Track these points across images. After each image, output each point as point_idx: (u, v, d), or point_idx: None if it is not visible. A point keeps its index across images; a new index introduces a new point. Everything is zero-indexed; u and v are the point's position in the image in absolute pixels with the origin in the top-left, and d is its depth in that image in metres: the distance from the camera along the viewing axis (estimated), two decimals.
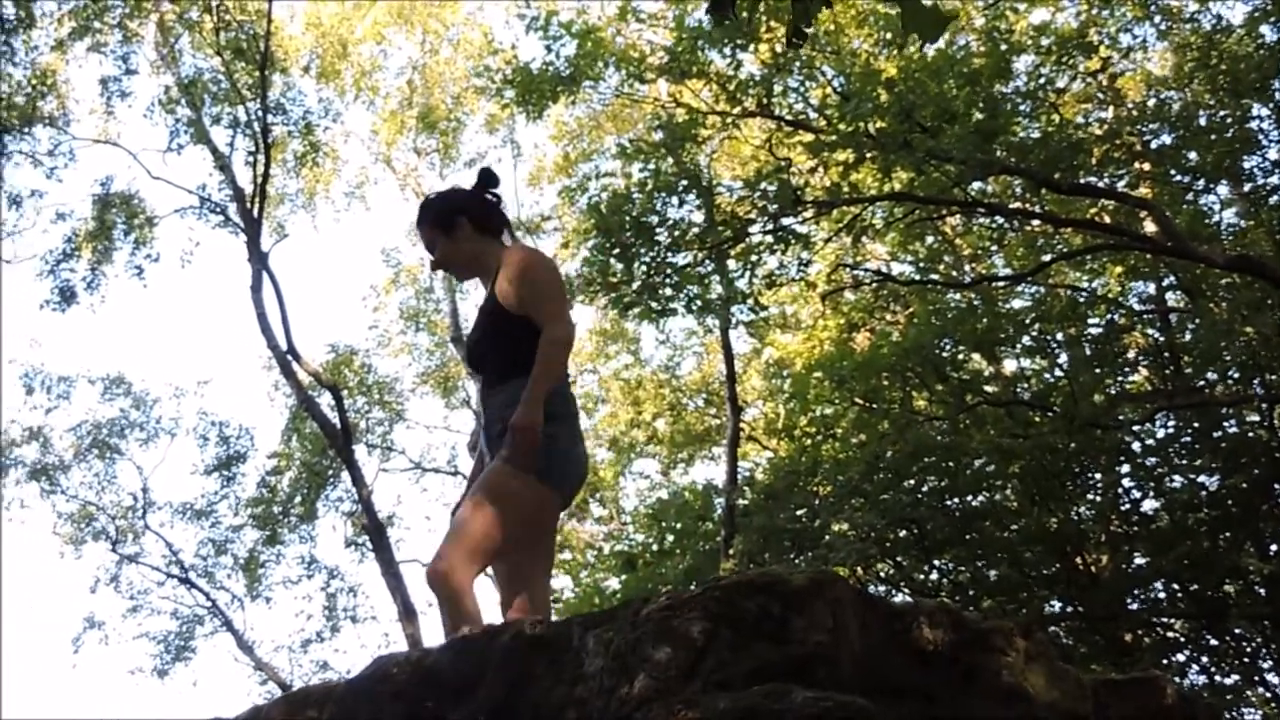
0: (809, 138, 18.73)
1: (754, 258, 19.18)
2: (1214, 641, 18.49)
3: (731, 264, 19.49)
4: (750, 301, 19.88)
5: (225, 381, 68.12)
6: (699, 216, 19.41)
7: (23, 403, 30.46)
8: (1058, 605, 18.99)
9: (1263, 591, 17.89)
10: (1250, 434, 18.12)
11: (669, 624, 3.54)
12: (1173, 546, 16.99)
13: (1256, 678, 18.34)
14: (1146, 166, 19.36)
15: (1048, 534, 18.02)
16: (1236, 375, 18.57)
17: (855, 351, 20.82)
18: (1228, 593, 18.05)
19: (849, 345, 21.48)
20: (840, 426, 21.09)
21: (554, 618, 5.16)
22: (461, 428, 31.61)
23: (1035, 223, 20.18)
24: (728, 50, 18.66)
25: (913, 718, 3.57)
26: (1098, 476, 19.07)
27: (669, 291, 19.25)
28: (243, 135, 26.07)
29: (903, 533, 18.63)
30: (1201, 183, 19.32)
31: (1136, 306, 20.70)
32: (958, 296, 20.82)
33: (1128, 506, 19.17)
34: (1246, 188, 19.62)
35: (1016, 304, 20.88)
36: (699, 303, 19.78)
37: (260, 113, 25.04)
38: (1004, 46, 18.07)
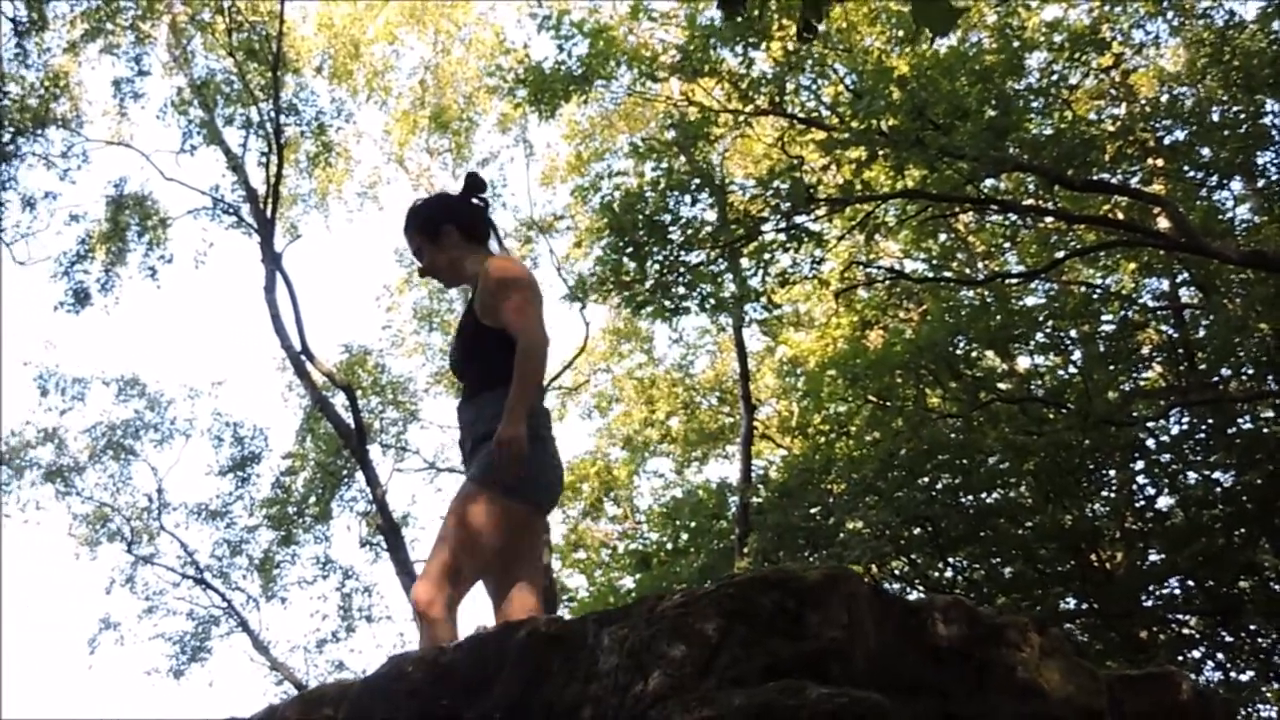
0: (821, 135, 18.70)
1: (767, 256, 19.18)
2: (1229, 638, 18.47)
3: (744, 262, 19.49)
4: (763, 300, 19.88)
5: (239, 382, 68.19)
6: (712, 215, 19.42)
7: (38, 404, 30.55)
8: (1072, 602, 18.99)
9: (1278, 587, 17.88)
10: (1265, 430, 18.10)
11: (684, 621, 3.55)
12: (1187, 543, 16.97)
13: (1272, 674, 18.32)
14: (1160, 163, 19.33)
15: (1062, 531, 18.00)
16: (1251, 371, 18.53)
17: (869, 349, 20.79)
18: (1243, 589, 18.02)
19: (862, 343, 21.45)
20: (854, 424, 21.08)
21: (567, 617, 5.16)
22: None
23: (1048, 220, 20.16)
24: (740, 48, 18.63)
25: (927, 714, 3.57)
26: (1112, 473, 19.07)
27: (682, 290, 19.25)
28: (255, 136, 26.11)
29: (917, 530, 18.63)
30: (1215, 179, 19.28)
31: (1150, 303, 20.67)
32: (971, 294, 20.78)
33: (1142, 503, 19.17)
34: (1260, 183, 19.59)
35: (1030, 301, 20.88)
36: (712, 301, 19.77)
37: (273, 113, 25.06)
38: (1016, 43, 18.05)
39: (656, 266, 18.98)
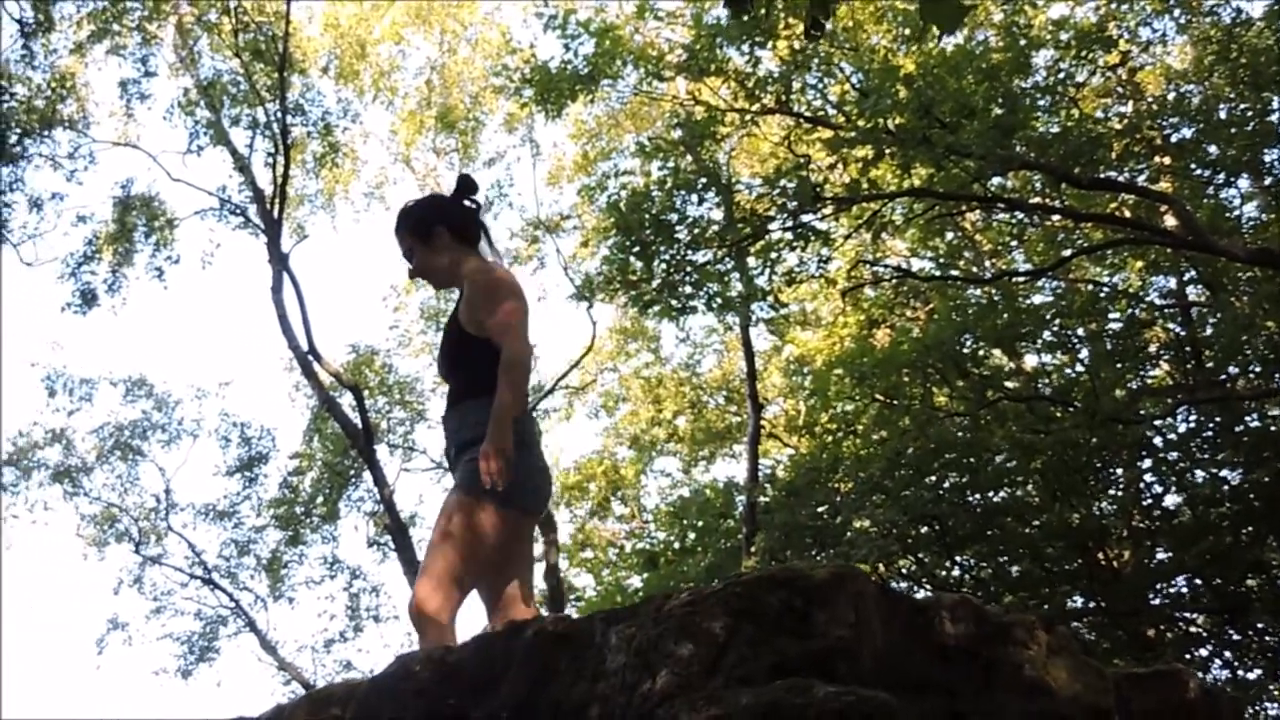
0: (828, 134, 18.72)
1: (774, 255, 19.19)
2: (1236, 636, 18.44)
3: (751, 261, 19.51)
4: (770, 299, 19.90)
5: (246, 383, 68.27)
6: (718, 214, 19.44)
7: (45, 405, 30.58)
8: (1080, 601, 18.99)
9: None
10: (1272, 428, 18.08)
11: (691, 620, 3.55)
12: (1195, 541, 16.95)
13: (1279, 671, 18.30)
14: (1167, 161, 19.32)
15: (1069, 529, 17.99)
16: (1258, 369, 18.54)
17: (876, 348, 20.79)
18: (1250, 587, 18.00)
19: (869, 342, 21.45)
20: (861, 423, 21.08)
21: (574, 616, 5.16)
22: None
23: (1055, 218, 20.17)
24: (746, 47, 18.66)
25: (935, 712, 3.58)
26: (1119, 472, 19.06)
27: (689, 289, 19.27)
28: (262, 136, 26.16)
29: (924, 529, 18.63)
30: (1222, 176, 19.24)
31: (1157, 301, 20.67)
32: (978, 292, 20.79)
33: (1149, 501, 19.16)
34: (1267, 181, 19.56)
35: (1037, 299, 20.87)
36: (719, 300, 19.79)
37: (279, 114, 25.08)
38: (1023, 41, 18.07)
39: (663, 266, 18.99)
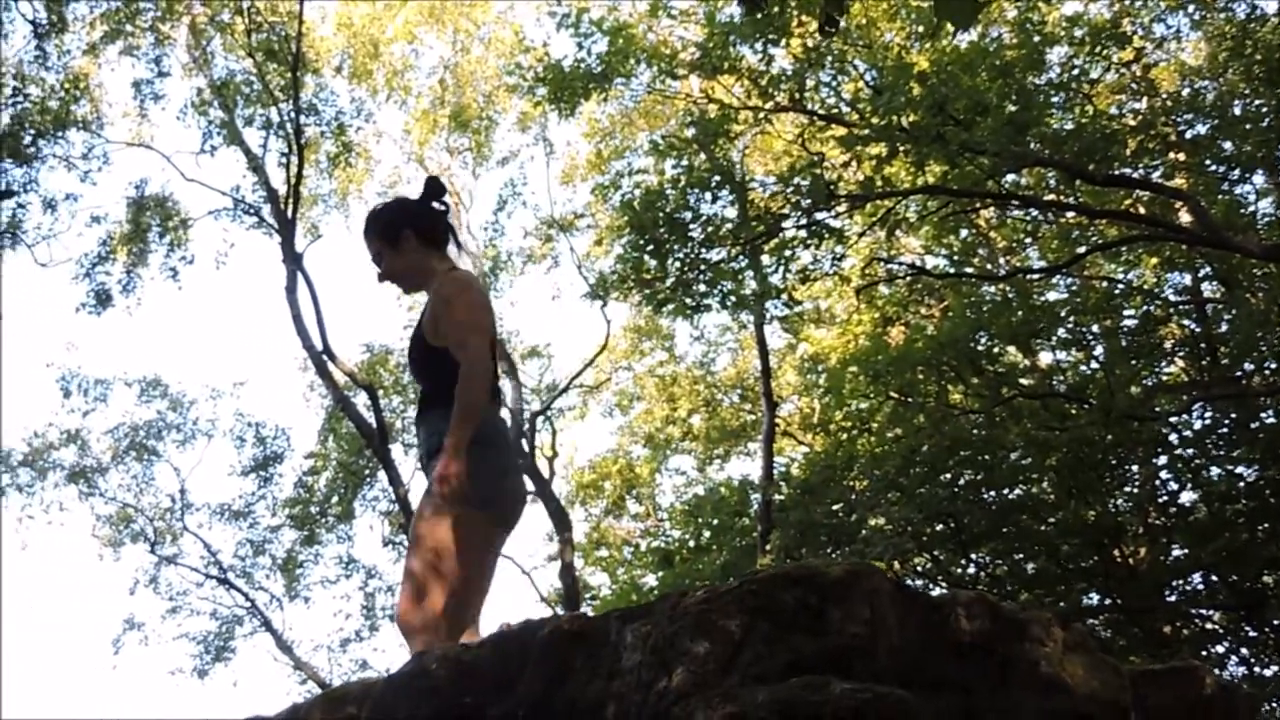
0: (842, 132, 18.71)
1: (788, 253, 19.19)
2: (1253, 633, 18.43)
3: (765, 259, 19.51)
4: (784, 297, 19.91)
5: (261, 382, 68.44)
6: (732, 212, 19.44)
7: (60, 406, 30.63)
8: (1095, 598, 18.97)
9: None
10: None
11: (707, 617, 3.55)
12: (1211, 538, 16.93)
13: None
14: (1181, 157, 19.30)
15: (1085, 526, 17.98)
16: (1273, 366, 18.49)
17: (890, 346, 20.78)
18: (1266, 584, 17.98)
19: (884, 339, 21.43)
20: (876, 421, 21.07)
21: (589, 614, 5.16)
22: None
23: (1070, 215, 20.15)
24: (759, 45, 18.65)
25: (951, 709, 3.57)
26: (1135, 469, 19.04)
27: (703, 287, 19.28)
28: (275, 136, 26.17)
29: (939, 526, 18.62)
30: (1237, 173, 19.21)
31: (1172, 298, 20.64)
32: (992, 289, 20.77)
33: (1165, 498, 19.14)
34: None
35: (1052, 296, 20.83)
36: (733, 298, 19.81)
37: (293, 114, 25.10)
38: (1037, 38, 18.05)
39: (677, 264, 19.01)
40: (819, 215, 18.72)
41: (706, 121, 19.73)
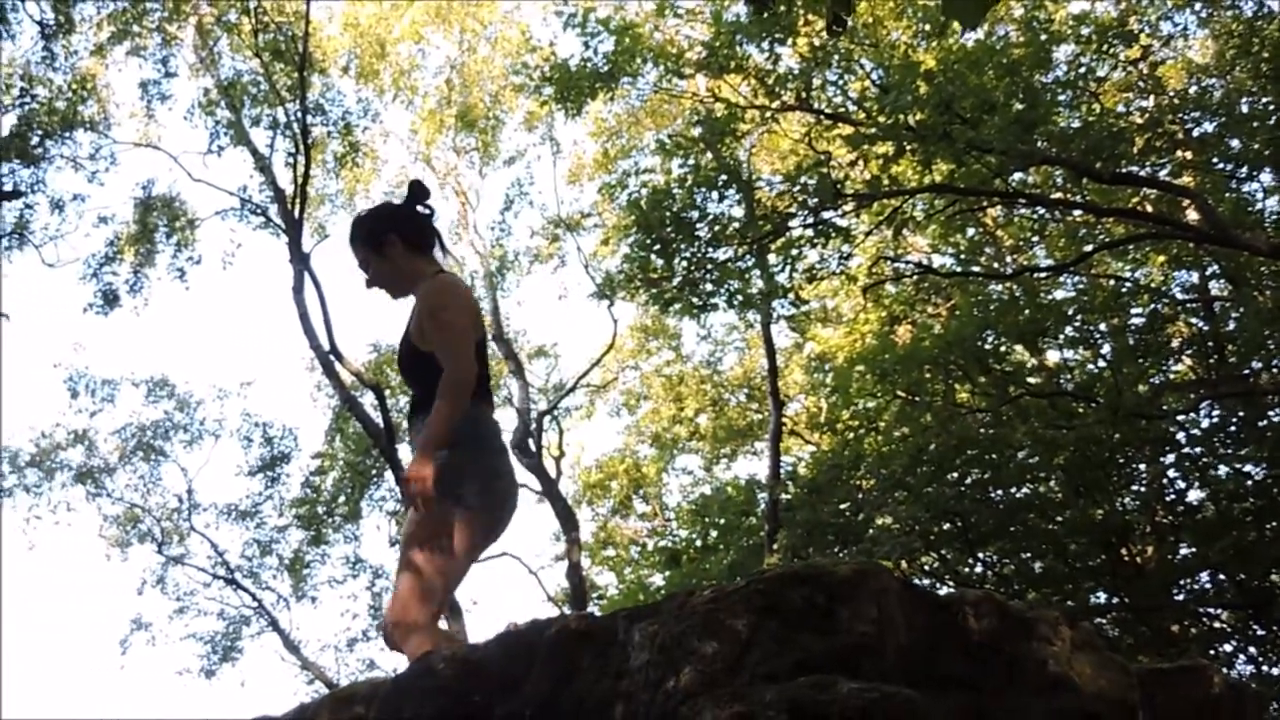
0: (848, 131, 18.71)
1: (794, 252, 19.20)
2: (1261, 632, 18.42)
3: (772, 258, 19.50)
4: (791, 296, 19.92)
5: (268, 382, 68.35)
6: (739, 211, 19.43)
7: (68, 406, 30.65)
8: (1103, 597, 18.96)
9: None
10: None
11: (714, 617, 3.55)
12: (1218, 537, 16.92)
13: None
14: (1188, 155, 19.27)
15: (1092, 525, 17.98)
16: None
17: (897, 344, 20.76)
18: (1274, 582, 17.97)
19: (891, 338, 21.41)
20: (883, 420, 21.06)
21: (597, 613, 5.16)
22: (504, 425, 31.51)
23: (1077, 213, 20.14)
24: (766, 44, 18.65)
25: (959, 708, 3.57)
26: (1142, 467, 19.04)
27: (710, 286, 19.29)
28: (282, 136, 26.17)
29: (946, 526, 18.61)
30: (1244, 170, 19.19)
31: (1180, 296, 20.61)
32: (999, 288, 20.75)
33: (1173, 497, 19.13)
34: None
35: (1059, 295, 20.81)
36: (740, 298, 19.80)
37: (299, 114, 25.10)
38: (1043, 36, 18.02)
39: (684, 263, 19.01)
40: (826, 214, 18.72)
41: (713, 121, 19.71)
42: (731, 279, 19.39)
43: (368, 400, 25.80)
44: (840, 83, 19.81)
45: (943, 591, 4.50)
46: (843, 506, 19.19)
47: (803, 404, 28.91)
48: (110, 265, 26.42)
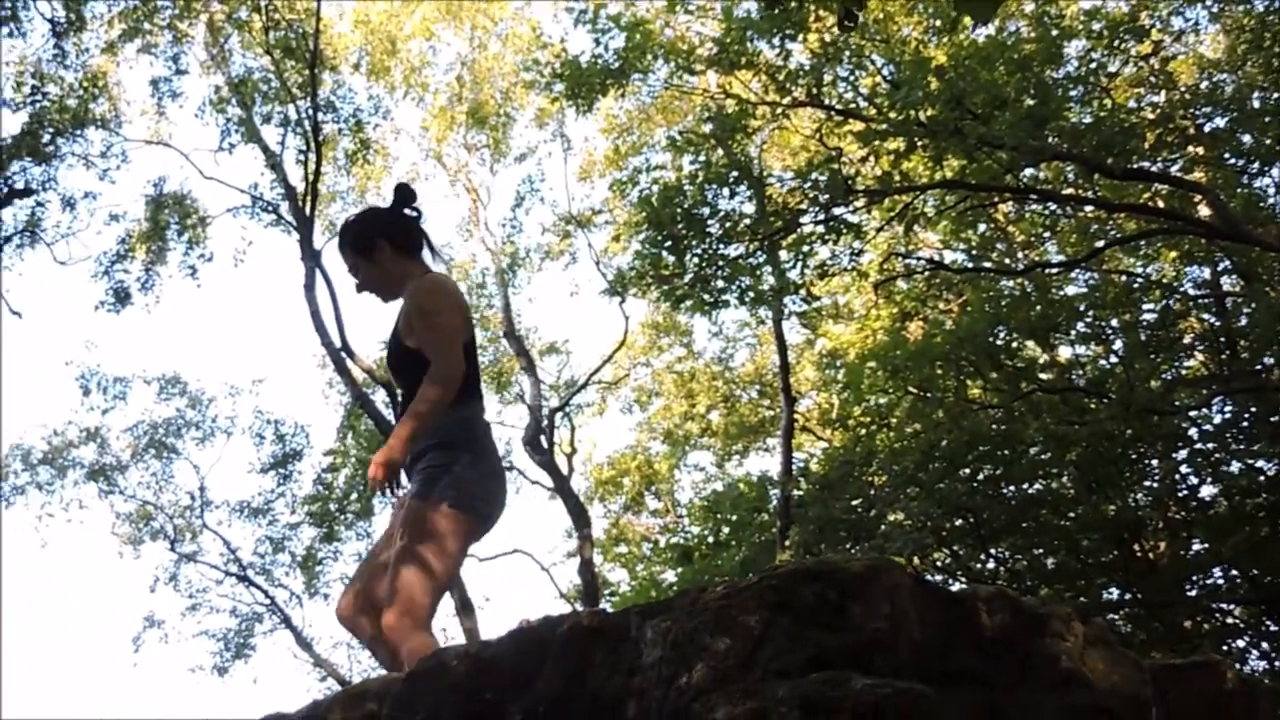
0: (859, 127, 18.70)
1: (806, 248, 19.19)
2: (1274, 627, 18.38)
3: (783, 255, 19.50)
4: (802, 292, 19.92)
5: (280, 380, 68.51)
6: (750, 208, 19.44)
7: (80, 404, 30.71)
8: (1116, 593, 18.93)
9: None
10: None
11: (727, 613, 3.54)
12: (1231, 532, 16.88)
13: None
14: (1200, 150, 19.24)
15: (1105, 521, 17.96)
16: None
17: (908, 340, 20.76)
18: None
19: (902, 334, 21.41)
20: (894, 416, 21.06)
21: (609, 610, 5.16)
22: (516, 422, 31.63)
23: (1088, 208, 20.12)
24: (777, 40, 18.64)
25: (972, 704, 3.56)
26: (1154, 463, 19.02)
27: (721, 283, 19.28)
28: (293, 134, 26.18)
29: (959, 522, 18.60)
30: (1256, 165, 19.18)
31: (1191, 291, 20.61)
32: (1011, 284, 20.76)
33: (1185, 492, 19.10)
34: None
35: (1070, 290, 20.81)
36: (751, 294, 19.80)
37: (310, 111, 25.12)
38: (1054, 32, 18.00)
39: (695, 260, 19.01)
40: (837, 210, 18.71)
41: (724, 117, 19.73)
42: (743, 275, 19.38)
43: (379, 397, 25.81)
44: (851, 79, 19.79)
45: (955, 587, 4.50)
46: (855, 503, 19.19)
47: (814, 400, 28.92)
48: (122, 263, 26.45)
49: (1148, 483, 19.36)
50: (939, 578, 19.47)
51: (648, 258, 19.41)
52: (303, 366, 52.69)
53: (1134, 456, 18.75)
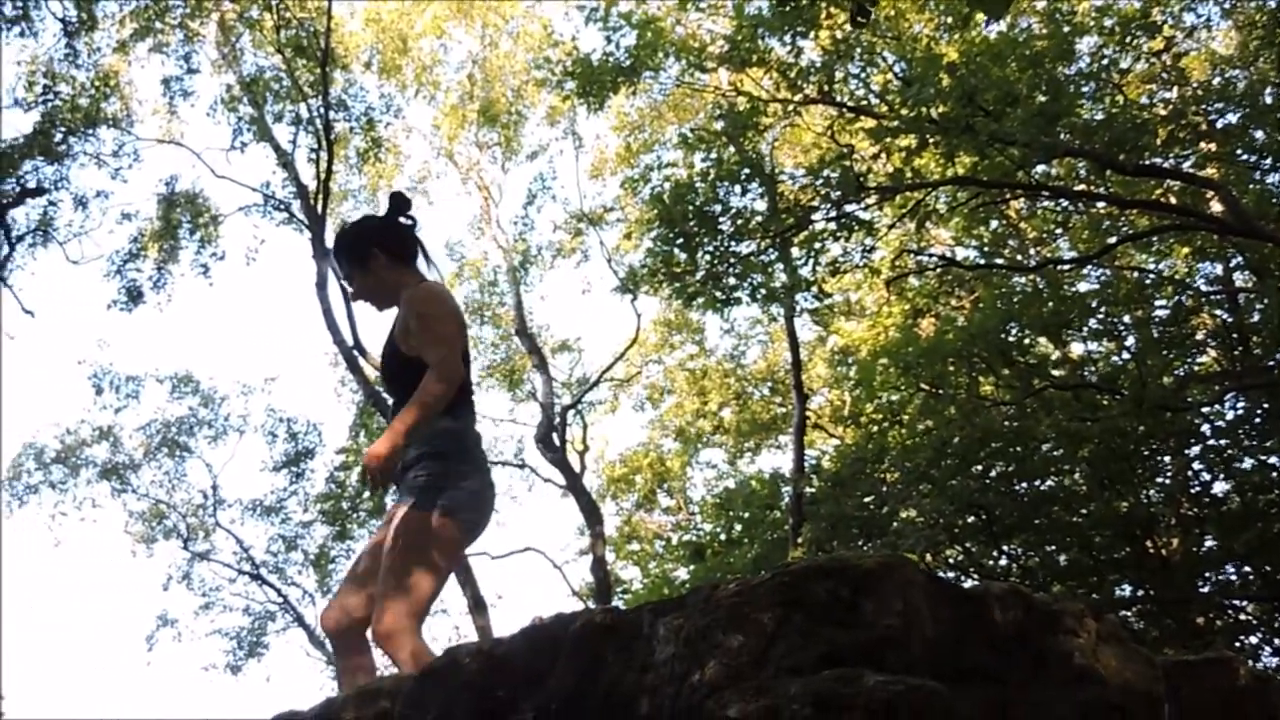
0: (871, 124, 18.68)
1: (817, 245, 19.18)
2: None
3: (795, 252, 19.49)
4: (814, 289, 19.90)
5: (292, 378, 68.64)
6: (762, 205, 19.43)
7: (93, 403, 30.77)
8: (1128, 589, 18.93)
9: None
10: None
11: (739, 610, 3.54)
12: (1244, 528, 16.87)
13: None
14: (1212, 146, 19.20)
15: (1117, 518, 17.94)
16: None
17: (921, 337, 20.75)
18: None
19: (914, 331, 21.39)
20: (907, 413, 21.05)
21: (621, 607, 5.16)
22: (528, 420, 31.65)
23: (1100, 205, 20.09)
24: (788, 37, 18.62)
25: (984, 701, 3.56)
26: (1167, 459, 18.99)
27: (733, 280, 19.26)
28: (305, 132, 26.19)
29: (971, 518, 18.59)
30: (1268, 162, 19.14)
31: (1204, 287, 20.58)
32: (1023, 280, 20.74)
33: (1198, 489, 19.08)
34: None
35: (1083, 287, 20.77)
36: (763, 291, 19.79)
37: (322, 109, 25.14)
38: (1066, 28, 17.97)
39: (707, 257, 19.00)
40: (848, 207, 18.69)
41: (735, 114, 19.71)
42: (754, 273, 19.36)
43: None
44: (863, 76, 19.78)
45: (968, 584, 4.49)
46: (867, 500, 19.19)
47: (826, 397, 28.92)
48: (134, 262, 26.51)
49: (1160, 479, 19.34)
50: (951, 574, 19.46)
51: (659, 255, 19.41)
52: (315, 365, 52.77)
53: (1146, 453, 18.73)
